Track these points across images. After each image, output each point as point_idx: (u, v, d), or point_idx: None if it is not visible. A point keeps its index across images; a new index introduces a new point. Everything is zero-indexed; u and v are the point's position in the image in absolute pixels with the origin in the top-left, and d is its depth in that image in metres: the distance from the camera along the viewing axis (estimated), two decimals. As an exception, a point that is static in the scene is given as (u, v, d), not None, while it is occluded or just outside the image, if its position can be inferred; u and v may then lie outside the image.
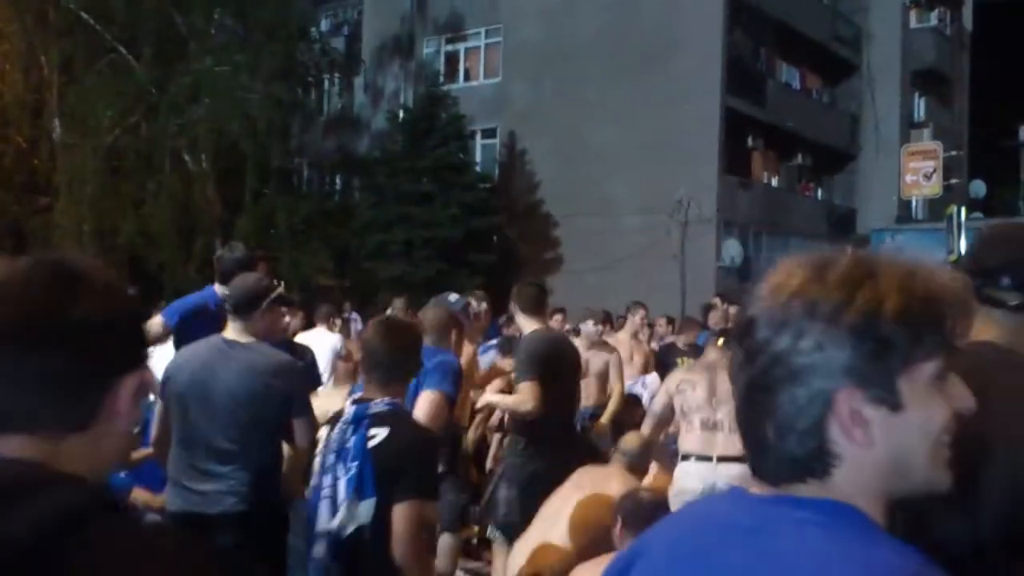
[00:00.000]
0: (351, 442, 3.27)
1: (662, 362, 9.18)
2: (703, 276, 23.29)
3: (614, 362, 7.78)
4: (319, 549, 3.28)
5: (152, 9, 22.32)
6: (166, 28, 23.02)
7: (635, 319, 9.59)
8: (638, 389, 8.57)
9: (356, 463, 3.22)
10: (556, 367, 5.46)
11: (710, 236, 24.20)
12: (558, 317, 9.62)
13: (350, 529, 3.21)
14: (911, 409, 1.10)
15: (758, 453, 1.15)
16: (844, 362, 1.08)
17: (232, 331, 4.17)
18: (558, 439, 5.44)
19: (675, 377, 5.79)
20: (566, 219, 24.96)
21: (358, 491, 3.20)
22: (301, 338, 7.44)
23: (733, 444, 5.27)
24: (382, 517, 3.18)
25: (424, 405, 4.32)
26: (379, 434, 3.23)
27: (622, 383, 7.88)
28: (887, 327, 1.08)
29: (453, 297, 7.19)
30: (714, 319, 9.74)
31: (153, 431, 4.31)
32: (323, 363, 7.52)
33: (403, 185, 23.66)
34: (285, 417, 4.03)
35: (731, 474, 5.20)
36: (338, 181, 28.81)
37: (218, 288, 5.24)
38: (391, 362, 3.43)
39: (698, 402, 5.49)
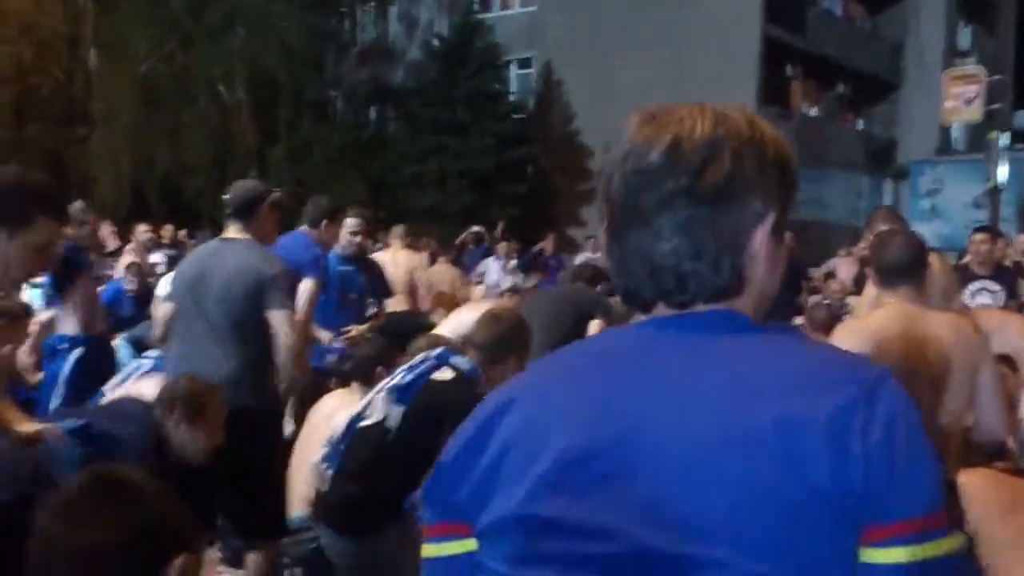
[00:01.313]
0: (423, 365, 3.65)
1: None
2: (740, 208, 23.05)
3: None
4: (339, 426, 3.68)
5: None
6: (201, -45, 22.89)
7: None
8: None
9: (412, 377, 3.60)
10: None
11: (747, 168, 23.88)
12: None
13: (371, 420, 3.55)
14: (783, 241, 1.19)
15: (664, 278, 1.14)
16: (773, 188, 1.14)
17: (231, 232, 4.33)
18: None
19: None
20: (602, 149, 24.71)
21: (397, 396, 3.55)
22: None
23: None
24: (406, 436, 3.49)
25: None
26: (446, 375, 3.58)
27: None
28: (792, 164, 1.18)
29: None
30: None
31: (157, 331, 4.58)
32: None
33: (437, 115, 23.55)
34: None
35: None
36: (372, 112, 28.69)
37: (307, 230, 5.73)
38: (489, 349, 3.76)
39: None
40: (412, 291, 8.15)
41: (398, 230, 9.61)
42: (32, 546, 1.64)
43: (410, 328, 5.85)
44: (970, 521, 3.90)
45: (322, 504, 3.66)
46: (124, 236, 10.88)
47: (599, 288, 6.39)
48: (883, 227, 5.08)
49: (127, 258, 9.22)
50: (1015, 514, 3.89)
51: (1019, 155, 21.96)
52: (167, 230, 14.42)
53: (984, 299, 7.16)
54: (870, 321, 3.43)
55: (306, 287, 5.11)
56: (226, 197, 4.38)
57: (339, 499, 3.56)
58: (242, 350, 4.10)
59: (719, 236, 1.12)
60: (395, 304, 7.73)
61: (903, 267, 3.40)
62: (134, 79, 22.40)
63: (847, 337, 3.35)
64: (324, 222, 5.81)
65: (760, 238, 1.13)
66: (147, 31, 22.16)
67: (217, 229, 14.16)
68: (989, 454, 3.80)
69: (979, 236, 7.78)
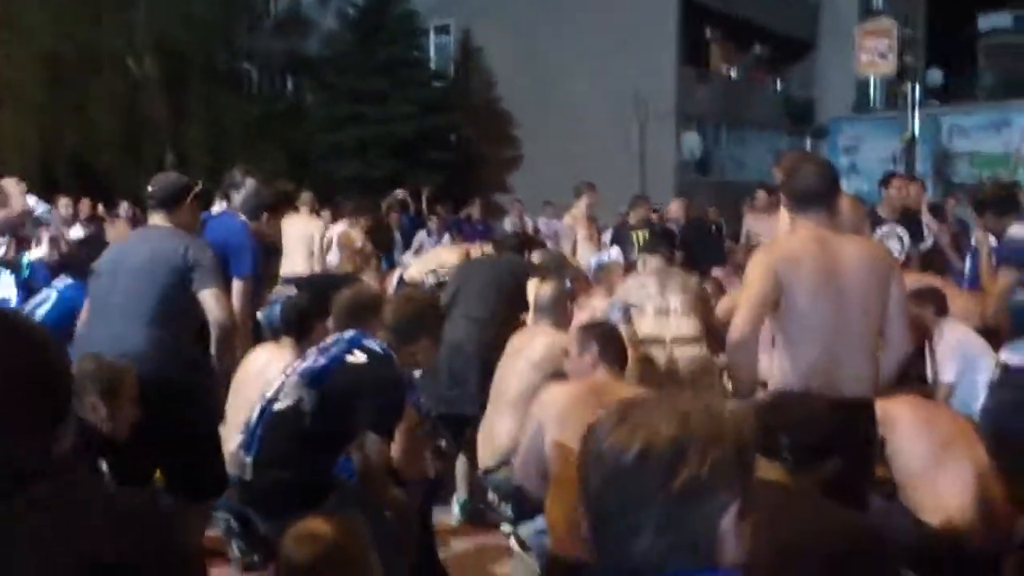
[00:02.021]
0: (335, 348, 3.68)
1: (616, 238, 9.20)
2: (663, 171, 23.21)
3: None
4: (253, 411, 3.70)
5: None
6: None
7: (588, 198, 9.54)
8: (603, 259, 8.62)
9: (325, 360, 3.63)
10: None
11: (669, 130, 24.03)
12: None
13: (280, 405, 3.56)
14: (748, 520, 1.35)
15: (644, 568, 1.30)
16: (735, 477, 1.30)
17: (155, 220, 4.43)
18: None
19: (621, 287, 5.91)
20: (525, 116, 24.65)
21: (311, 380, 3.57)
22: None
23: (686, 326, 5.59)
24: (323, 419, 3.52)
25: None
26: (359, 357, 3.61)
27: None
28: (751, 447, 1.36)
29: None
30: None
31: (82, 314, 4.59)
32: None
33: (354, 84, 23.21)
34: (190, 288, 4.18)
35: (684, 355, 5.47)
36: (288, 83, 28.16)
37: (243, 219, 5.50)
38: (399, 330, 3.83)
39: (649, 293, 5.66)
40: (311, 253, 8.46)
41: (306, 197, 9.84)
42: None
43: (337, 284, 5.76)
44: (889, 443, 3.94)
45: (247, 492, 3.62)
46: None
47: (526, 255, 6.69)
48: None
49: (46, 232, 9.11)
50: (930, 431, 3.96)
51: (932, 111, 22.46)
52: (84, 204, 14.23)
53: (891, 243, 7.25)
54: (785, 244, 3.41)
55: (239, 289, 4.92)
56: (151, 189, 4.44)
57: (264, 485, 3.53)
58: (151, 328, 4.08)
59: (690, 529, 1.27)
60: (297, 265, 7.84)
61: (816, 191, 3.42)
62: (36, 55, 21.62)
63: (762, 259, 3.33)
64: (266, 215, 5.57)
65: (727, 525, 1.29)
66: (48, 5, 21.37)
67: (133, 203, 13.76)
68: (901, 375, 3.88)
69: (895, 180, 7.87)
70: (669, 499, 1.26)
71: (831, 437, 2.60)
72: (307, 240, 8.39)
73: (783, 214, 3.75)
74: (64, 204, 10.61)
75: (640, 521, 1.27)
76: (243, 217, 5.46)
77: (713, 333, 5.62)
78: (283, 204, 5.92)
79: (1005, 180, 9.38)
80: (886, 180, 7.89)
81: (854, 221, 4.09)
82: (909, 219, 7.81)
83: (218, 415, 4.44)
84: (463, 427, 5.39)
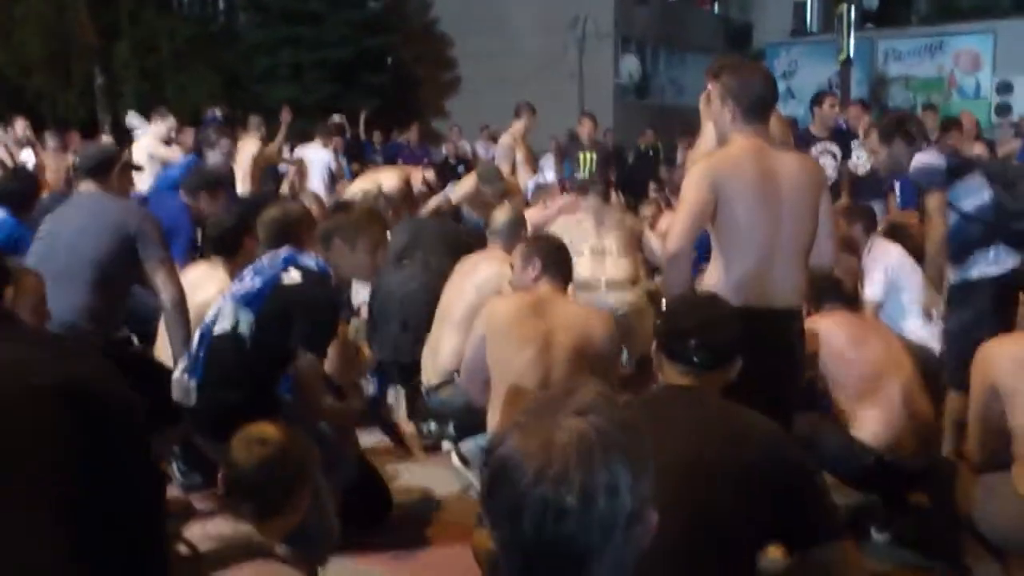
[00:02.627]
0: (270, 268, 3.66)
1: (566, 153, 9.26)
2: (601, 94, 23.11)
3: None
4: (196, 337, 3.72)
5: None
6: None
7: (527, 120, 9.49)
8: (540, 180, 8.66)
9: (260, 283, 3.61)
10: None
11: (607, 53, 23.88)
12: None
13: (219, 328, 3.58)
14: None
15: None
16: (647, 496, 1.23)
17: (85, 187, 4.42)
18: None
19: (559, 222, 5.91)
20: (462, 39, 24.29)
21: (247, 302, 3.58)
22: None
23: (621, 268, 5.67)
24: (262, 341, 3.54)
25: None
26: (294, 276, 3.59)
27: None
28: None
29: None
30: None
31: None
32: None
33: (289, 4, 22.63)
34: (129, 256, 4.17)
35: (618, 301, 5.60)
36: (220, 2, 27.36)
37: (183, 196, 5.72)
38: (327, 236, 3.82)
39: (585, 233, 5.68)
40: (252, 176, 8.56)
41: (253, 121, 9.84)
42: None
43: (263, 203, 5.73)
44: (820, 360, 4.05)
45: (194, 417, 3.64)
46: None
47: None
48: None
49: None
50: (861, 348, 4.08)
51: (867, 34, 22.59)
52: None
53: (826, 160, 7.36)
54: (724, 154, 3.41)
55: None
56: (78, 159, 4.44)
57: (211, 409, 3.55)
58: (82, 297, 4.08)
59: (630, 558, 1.21)
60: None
61: (766, 101, 3.41)
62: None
63: (699, 171, 3.34)
64: (204, 193, 5.64)
65: (649, 532, 1.24)
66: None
67: (62, 129, 13.38)
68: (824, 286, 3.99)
69: (827, 98, 7.96)
70: (616, 532, 1.18)
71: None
72: (249, 161, 8.48)
73: (709, 127, 3.74)
74: (21, 127, 10.32)
75: (589, 564, 1.18)
76: (182, 196, 5.61)
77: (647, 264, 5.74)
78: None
79: (936, 103, 9.49)
80: (818, 98, 7.98)
81: (780, 138, 4.11)
82: (841, 138, 7.94)
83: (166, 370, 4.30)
84: (412, 373, 5.38)
